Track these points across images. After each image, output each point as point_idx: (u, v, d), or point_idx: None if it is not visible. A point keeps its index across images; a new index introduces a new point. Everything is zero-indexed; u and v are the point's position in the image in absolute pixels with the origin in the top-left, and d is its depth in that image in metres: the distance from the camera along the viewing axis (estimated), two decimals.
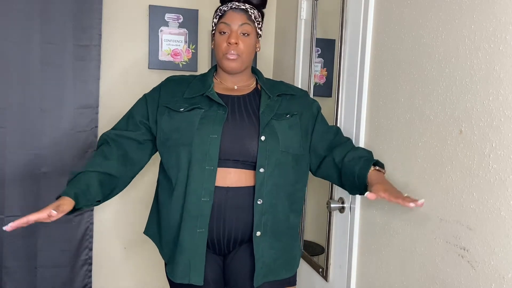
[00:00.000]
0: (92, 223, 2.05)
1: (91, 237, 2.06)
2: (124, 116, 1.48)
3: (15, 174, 1.91)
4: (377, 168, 1.29)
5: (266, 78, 1.53)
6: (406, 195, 1.14)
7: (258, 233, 1.33)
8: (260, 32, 1.45)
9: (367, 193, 1.16)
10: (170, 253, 1.38)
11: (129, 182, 1.44)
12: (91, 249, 2.06)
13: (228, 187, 1.32)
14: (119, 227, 2.16)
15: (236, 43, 1.36)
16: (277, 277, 1.38)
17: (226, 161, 1.31)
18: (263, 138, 1.32)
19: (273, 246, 1.36)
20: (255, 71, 1.52)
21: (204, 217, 1.30)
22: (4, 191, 1.90)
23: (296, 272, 1.46)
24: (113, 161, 1.37)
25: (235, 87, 1.44)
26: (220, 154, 1.30)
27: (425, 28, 1.18)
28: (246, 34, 1.38)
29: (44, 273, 1.97)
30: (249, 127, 1.34)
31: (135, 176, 1.46)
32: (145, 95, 1.47)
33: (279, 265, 1.38)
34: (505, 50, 0.94)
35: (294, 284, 1.46)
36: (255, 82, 1.49)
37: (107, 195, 1.37)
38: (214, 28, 1.43)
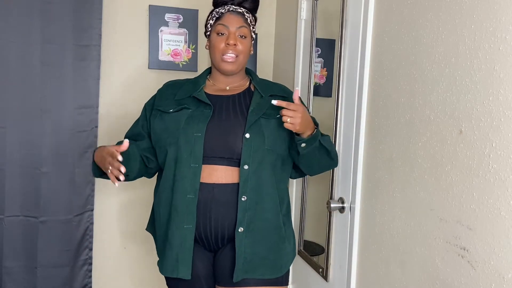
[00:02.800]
0: (92, 223, 2.05)
1: (91, 237, 2.05)
2: (130, 128, 1.56)
3: (15, 174, 1.91)
4: None
5: (261, 79, 1.56)
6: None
7: (241, 229, 1.35)
8: (253, 36, 1.49)
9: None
10: (161, 248, 1.43)
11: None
12: (91, 249, 2.06)
13: (214, 183, 1.35)
14: (119, 227, 2.16)
15: (235, 44, 1.40)
16: (261, 275, 1.39)
17: (212, 159, 1.36)
18: (247, 135, 1.35)
19: (257, 244, 1.37)
20: (249, 72, 1.55)
21: (191, 214, 1.35)
22: (4, 190, 1.90)
23: (286, 273, 1.46)
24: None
25: (227, 88, 1.48)
26: (206, 151, 1.35)
27: (425, 28, 1.18)
28: (243, 37, 1.42)
29: (44, 273, 1.97)
30: (234, 125, 1.37)
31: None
32: (144, 104, 1.54)
33: (264, 265, 1.39)
34: (505, 50, 0.94)
35: (285, 284, 1.47)
36: (248, 82, 1.52)
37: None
38: (209, 29, 1.46)
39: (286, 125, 1.27)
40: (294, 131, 1.31)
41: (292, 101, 1.48)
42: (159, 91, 1.53)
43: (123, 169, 1.23)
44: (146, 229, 1.58)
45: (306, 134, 1.33)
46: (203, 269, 1.42)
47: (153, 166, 1.49)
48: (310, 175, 1.54)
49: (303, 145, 1.34)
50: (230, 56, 1.40)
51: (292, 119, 1.26)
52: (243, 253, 1.36)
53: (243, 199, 1.34)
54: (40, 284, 1.97)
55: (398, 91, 1.29)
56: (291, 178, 1.55)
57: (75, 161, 1.98)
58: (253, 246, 1.37)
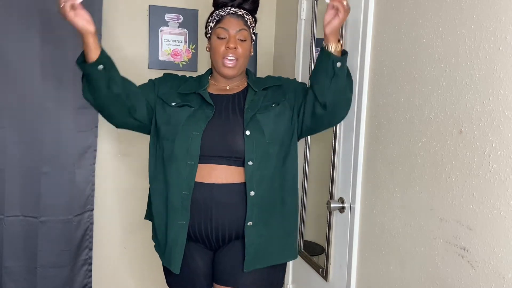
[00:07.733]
0: (92, 223, 2.05)
1: (91, 237, 2.06)
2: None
3: (15, 174, 1.91)
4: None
5: (256, 77, 1.57)
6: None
7: (250, 223, 1.36)
8: (253, 37, 1.50)
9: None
10: (161, 237, 1.44)
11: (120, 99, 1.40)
12: (91, 249, 2.06)
13: (213, 183, 1.36)
14: (119, 227, 2.16)
15: (235, 48, 1.41)
16: (268, 262, 1.40)
17: (210, 158, 1.36)
18: (248, 132, 1.36)
19: (262, 234, 1.38)
20: (247, 72, 1.55)
21: (185, 210, 1.36)
22: (4, 190, 1.90)
23: (286, 263, 1.49)
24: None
25: (228, 87, 1.49)
26: (204, 150, 1.35)
27: (425, 28, 1.18)
28: (243, 40, 1.43)
29: (44, 273, 1.97)
30: (233, 123, 1.38)
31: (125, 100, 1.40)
32: (153, 80, 1.51)
33: (271, 251, 1.41)
34: (505, 50, 0.94)
35: (284, 272, 1.49)
36: (247, 81, 1.53)
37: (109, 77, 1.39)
38: (210, 32, 1.47)
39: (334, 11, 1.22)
40: (333, 26, 1.24)
41: (288, 86, 1.47)
42: (163, 77, 1.51)
43: None
44: (145, 218, 1.57)
45: (334, 44, 1.27)
46: (204, 267, 1.44)
47: (138, 117, 1.42)
48: (328, 103, 1.35)
49: (338, 64, 1.27)
50: (230, 61, 1.41)
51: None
52: (253, 244, 1.37)
53: (251, 194, 1.35)
54: (40, 284, 1.97)
55: (398, 91, 1.29)
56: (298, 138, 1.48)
57: (75, 161, 1.98)
58: (260, 236, 1.37)
